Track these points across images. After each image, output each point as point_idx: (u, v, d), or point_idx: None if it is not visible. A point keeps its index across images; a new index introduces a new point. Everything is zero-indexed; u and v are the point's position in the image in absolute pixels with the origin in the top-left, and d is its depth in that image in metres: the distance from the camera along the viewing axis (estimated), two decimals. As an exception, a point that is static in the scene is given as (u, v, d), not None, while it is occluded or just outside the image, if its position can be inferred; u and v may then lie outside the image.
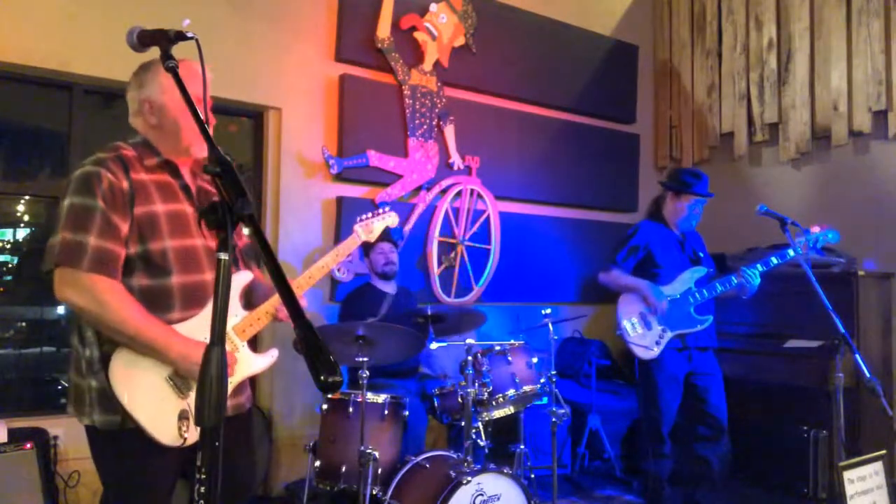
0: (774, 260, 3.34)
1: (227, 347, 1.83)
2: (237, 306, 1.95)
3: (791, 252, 3.27)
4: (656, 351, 3.37)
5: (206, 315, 1.80)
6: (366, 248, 3.86)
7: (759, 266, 3.34)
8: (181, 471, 1.86)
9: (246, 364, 1.93)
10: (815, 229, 3.23)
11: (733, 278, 3.37)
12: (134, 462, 1.76)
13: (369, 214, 2.48)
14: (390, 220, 2.52)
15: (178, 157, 1.89)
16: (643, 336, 3.41)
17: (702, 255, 3.63)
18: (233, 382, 1.89)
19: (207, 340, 1.67)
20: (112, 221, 1.71)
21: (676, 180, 3.58)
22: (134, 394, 1.71)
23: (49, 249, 1.71)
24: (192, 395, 1.74)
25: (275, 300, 1.98)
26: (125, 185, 1.74)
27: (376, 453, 2.69)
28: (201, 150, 1.84)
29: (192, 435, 1.75)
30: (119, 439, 1.74)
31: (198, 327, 1.80)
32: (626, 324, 3.43)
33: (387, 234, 3.87)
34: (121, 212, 1.72)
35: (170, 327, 1.76)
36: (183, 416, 1.75)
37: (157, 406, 1.74)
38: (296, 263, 4.04)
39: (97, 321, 1.71)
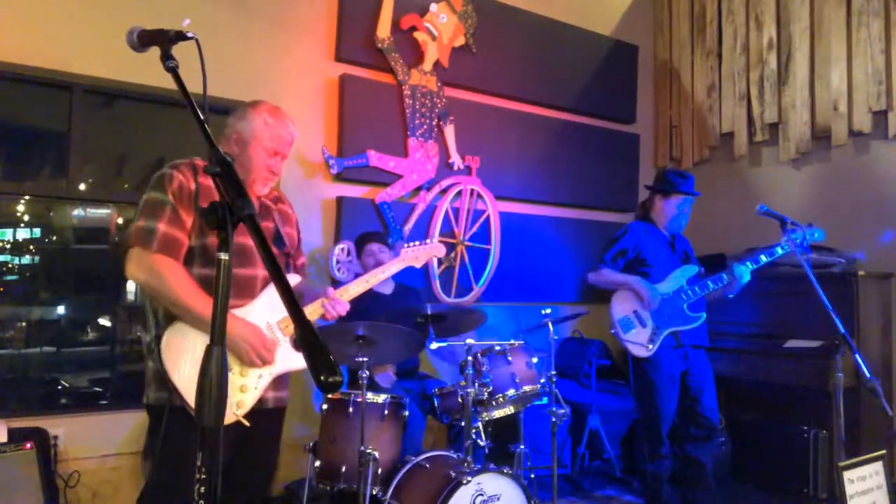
0: (764, 258, 3.35)
1: (275, 349, 2.03)
2: (281, 304, 2.05)
3: (779, 249, 3.29)
4: (652, 349, 3.37)
5: (254, 305, 2.06)
6: (357, 249, 3.85)
7: (748, 263, 3.35)
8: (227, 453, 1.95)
9: (287, 359, 2.10)
10: (798, 231, 3.22)
11: (724, 276, 3.37)
12: (178, 439, 1.85)
13: (417, 242, 2.62)
14: (436, 250, 2.66)
15: None
16: (638, 334, 3.41)
17: (690, 256, 3.64)
18: (272, 374, 2.07)
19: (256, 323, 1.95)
20: (180, 214, 1.97)
21: (663, 181, 3.59)
22: (181, 370, 1.89)
23: (128, 234, 2.00)
24: (232, 377, 1.95)
25: (317, 305, 2.20)
26: (192, 185, 2.01)
27: (376, 453, 2.70)
28: (261, 190, 2.16)
29: (228, 415, 1.89)
30: (168, 415, 1.88)
31: (245, 314, 2.02)
32: (619, 322, 3.43)
33: (374, 235, 3.85)
34: (186, 206, 1.98)
35: None
36: None
37: None
38: (296, 263, 4.04)
39: (156, 293, 1.94)
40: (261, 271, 2.08)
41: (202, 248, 2.00)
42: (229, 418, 1.92)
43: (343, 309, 2.24)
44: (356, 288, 2.34)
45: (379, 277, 2.43)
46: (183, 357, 1.90)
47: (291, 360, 2.10)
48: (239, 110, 2.17)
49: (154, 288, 1.93)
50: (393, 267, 2.52)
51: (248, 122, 2.12)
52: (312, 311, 2.18)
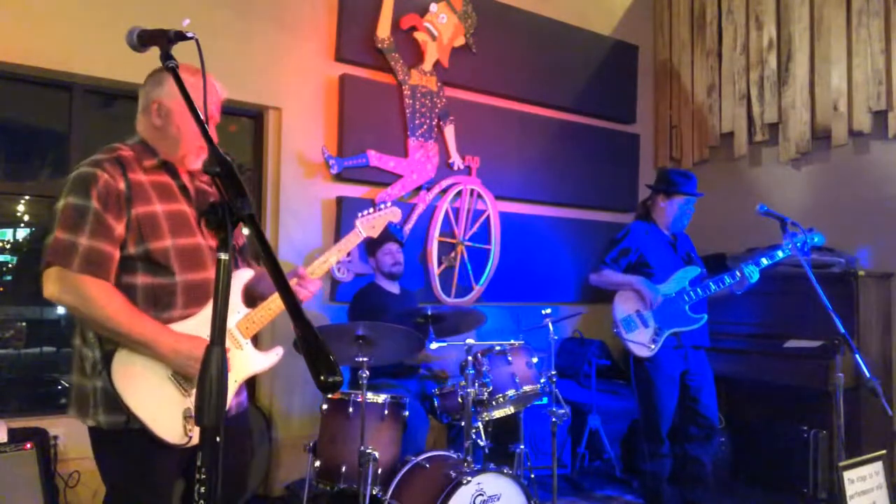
0: (765, 261, 3.35)
1: (231, 345, 1.87)
2: (239, 304, 1.95)
3: (780, 253, 3.30)
4: (654, 349, 3.37)
5: (205, 313, 1.80)
6: (372, 248, 3.86)
7: (752, 265, 3.35)
8: (183, 471, 1.87)
9: (250, 361, 1.94)
10: (799, 234, 3.21)
11: (727, 277, 3.38)
12: (138, 462, 1.76)
13: (371, 210, 2.43)
14: (393, 215, 2.45)
15: (174, 161, 1.89)
16: (640, 334, 3.41)
17: (693, 256, 3.64)
18: (237, 380, 1.90)
19: (207, 337, 1.69)
20: (106, 222, 1.71)
21: (666, 181, 3.59)
22: (137, 393, 1.71)
23: (44, 247, 1.72)
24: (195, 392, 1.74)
25: (295, 282, 2.03)
26: (122, 185, 1.74)
27: (376, 453, 2.70)
28: (195, 163, 1.87)
29: (197, 434, 1.75)
30: (123, 439, 1.74)
31: (196, 325, 1.80)
32: (622, 322, 3.44)
33: (393, 235, 3.88)
34: (115, 212, 1.72)
35: (159, 323, 1.75)
36: (188, 415, 1.76)
37: (160, 405, 1.74)
38: (296, 263, 4.04)
39: (86, 318, 1.72)
40: (212, 273, 1.81)
41: (145, 255, 1.75)
42: (196, 440, 1.74)
43: (315, 287, 2.08)
44: (323, 266, 2.17)
45: (340, 253, 2.26)
46: (138, 379, 1.72)
47: (255, 362, 1.96)
48: (151, 78, 1.88)
49: (83, 313, 1.69)
50: (353, 239, 2.31)
51: (167, 87, 1.82)
52: (269, 309, 1.98)
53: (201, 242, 1.85)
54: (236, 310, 1.92)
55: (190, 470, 1.83)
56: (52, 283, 1.70)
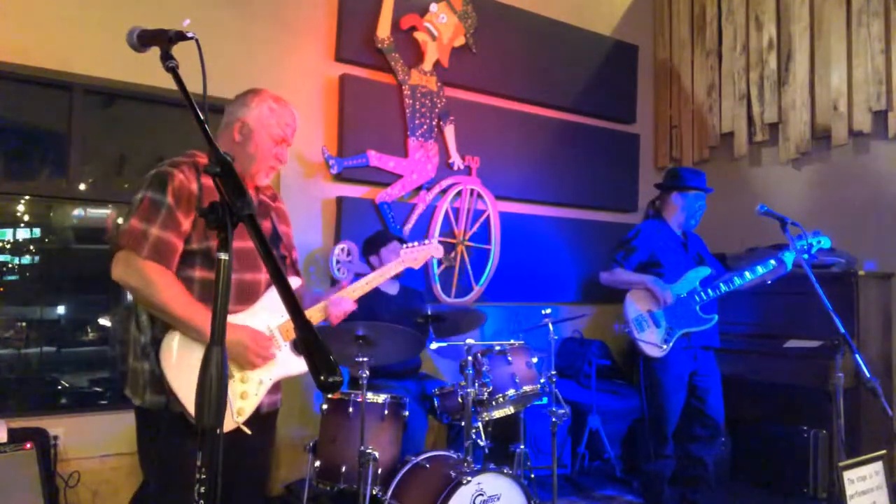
0: (773, 263, 3.36)
1: (271, 346, 2.00)
2: (282, 308, 2.01)
3: (787, 258, 3.31)
4: (665, 349, 3.36)
5: (254, 310, 2.02)
6: (374, 247, 3.84)
7: (759, 268, 3.36)
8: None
9: (287, 363, 2.07)
10: (803, 237, 3.22)
11: (736, 279, 3.38)
12: (175, 444, 1.85)
13: (415, 243, 2.61)
14: (435, 250, 2.63)
15: (244, 176, 2.06)
16: (651, 334, 3.40)
17: (705, 256, 3.64)
18: (272, 378, 2.04)
19: (255, 327, 1.93)
20: (176, 217, 1.88)
21: (676, 178, 3.59)
22: (181, 376, 1.83)
23: (119, 232, 1.90)
24: (232, 384, 1.93)
25: (321, 306, 2.21)
26: (194, 186, 1.92)
27: (376, 453, 2.70)
28: (264, 180, 2.12)
29: (229, 423, 1.88)
30: (163, 420, 1.87)
31: (245, 318, 1.99)
32: (634, 321, 3.43)
33: (395, 234, 3.87)
34: (185, 209, 1.89)
35: (209, 311, 1.81)
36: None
37: None
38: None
39: (145, 300, 1.87)
40: (264, 276, 2.03)
41: (205, 251, 1.92)
42: (230, 426, 1.88)
43: (349, 306, 2.24)
44: (361, 288, 2.33)
45: (381, 278, 2.43)
46: (183, 363, 1.85)
47: (291, 364, 2.07)
48: (240, 98, 2.11)
49: (143, 295, 1.85)
50: (393, 268, 2.51)
51: (253, 110, 2.06)
52: (314, 315, 2.17)
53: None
54: (280, 313, 2.05)
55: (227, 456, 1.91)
56: (120, 265, 1.87)
